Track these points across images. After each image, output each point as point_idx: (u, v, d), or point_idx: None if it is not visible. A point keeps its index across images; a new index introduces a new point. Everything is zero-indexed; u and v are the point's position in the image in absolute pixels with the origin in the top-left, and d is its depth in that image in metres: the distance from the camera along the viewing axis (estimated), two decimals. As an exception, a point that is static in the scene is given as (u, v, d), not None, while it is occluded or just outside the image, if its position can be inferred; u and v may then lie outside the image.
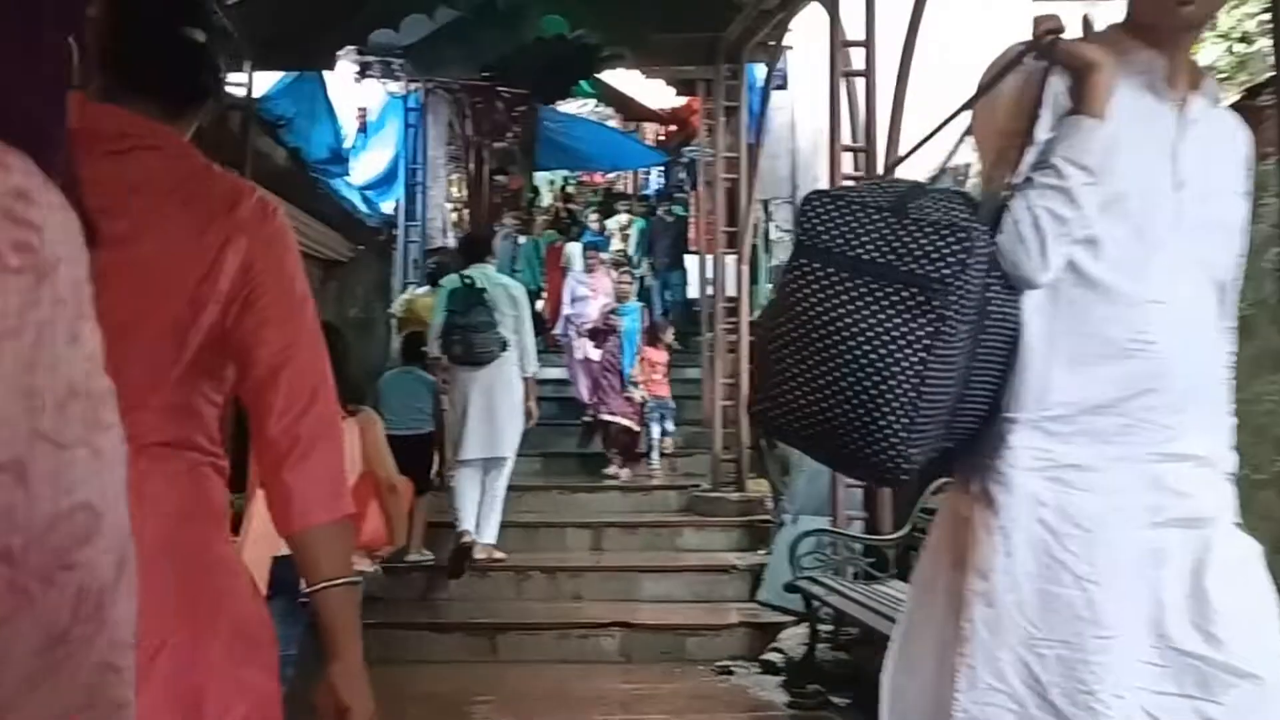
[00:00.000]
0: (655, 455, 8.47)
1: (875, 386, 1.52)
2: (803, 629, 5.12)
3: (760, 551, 6.61)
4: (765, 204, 9.42)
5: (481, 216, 13.37)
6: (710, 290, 9.46)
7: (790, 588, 4.66)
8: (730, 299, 7.86)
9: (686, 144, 15.96)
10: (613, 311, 8.80)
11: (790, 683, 4.70)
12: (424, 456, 6.34)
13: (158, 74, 1.45)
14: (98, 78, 1.43)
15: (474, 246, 6.62)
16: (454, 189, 14.27)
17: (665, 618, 5.57)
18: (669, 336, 8.96)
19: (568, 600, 6.04)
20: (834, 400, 1.57)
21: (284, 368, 1.39)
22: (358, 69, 9.67)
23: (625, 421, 8.32)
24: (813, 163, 8.64)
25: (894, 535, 4.64)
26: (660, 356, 8.67)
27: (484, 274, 6.21)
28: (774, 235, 9.44)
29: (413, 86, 10.41)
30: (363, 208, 9.76)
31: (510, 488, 7.36)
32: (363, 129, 9.78)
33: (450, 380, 6.19)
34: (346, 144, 8.77)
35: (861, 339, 1.53)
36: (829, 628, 4.75)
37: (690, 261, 10.25)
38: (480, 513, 6.13)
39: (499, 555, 6.15)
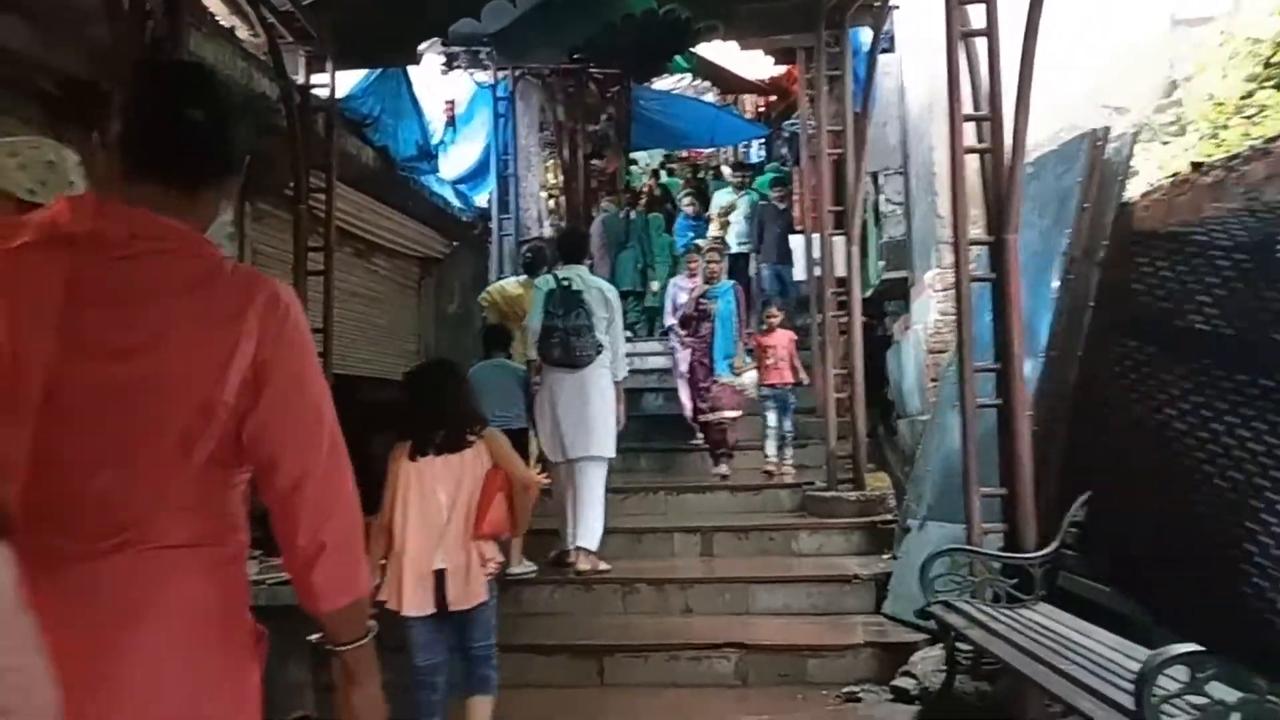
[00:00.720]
0: (771, 446, 7.83)
1: (1230, 517, 1.05)
2: (937, 650, 4.65)
3: (884, 556, 6.15)
4: (874, 176, 8.83)
5: (578, 202, 13.08)
6: (818, 271, 8.97)
7: (923, 614, 4.20)
8: (840, 281, 7.35)
9: (788, 115, 15.36)
10: (704, 295, 8.13)
11: (926, 716, 4.24)
12: (518, 452, 6.19)
13: (164, 155, 1.45)
14: (118, 163, 1.45)
15: (571, 246, 6.41)
16: (549, 175, 14.02)
17: (784, 636, 5.16)
18: (775, 317, 8.14)
19: (677, 615, 5.69)
20: (1182, 536, 1.10)
21: (306, 479, 1.45)
22: (444, 60, 9.46)
23: (716, 415, 7.81)
24: (924, 129, 8.00)
25: (1040, 553, 4.12)
26: (773, 340, 7.95)
27: (579, 275, 6.07)
28: (885, 208, 8.85)
29: (500, 75, 10.14)
30: (455, 202, 9.57)
31: (614, 489, 7.11)
32: (451, 122, 9.57)
33: (541, 381, 6.03)
34: (434, 139, 8.54)
35: (1195, 447, 1.07)
36: (968, 649, 4.26)
37: (795, 241, 9.71)
38: (577, 517, 5.96)
39: (604, 567, 5.93)
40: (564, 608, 5.78)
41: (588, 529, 5.93)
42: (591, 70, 12.20)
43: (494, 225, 10.45)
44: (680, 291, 8.93)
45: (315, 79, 6.60)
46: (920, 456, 6.28)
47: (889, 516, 6.55)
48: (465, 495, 3.52)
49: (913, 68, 8.22)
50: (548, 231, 12.12)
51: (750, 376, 7.98)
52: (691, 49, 11.70)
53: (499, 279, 10.51)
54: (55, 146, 1.99)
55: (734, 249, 10.95)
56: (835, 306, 7.31)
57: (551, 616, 5.70)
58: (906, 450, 8.20)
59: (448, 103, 9.55)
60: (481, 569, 3.54)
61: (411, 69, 8.19)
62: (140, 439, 1.35)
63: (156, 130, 1.44)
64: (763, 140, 18.68)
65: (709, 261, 8.29)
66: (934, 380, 7.40)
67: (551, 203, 13.71)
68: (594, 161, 14.88)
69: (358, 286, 8.43)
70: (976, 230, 5.87)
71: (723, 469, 7.80)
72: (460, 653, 3.62)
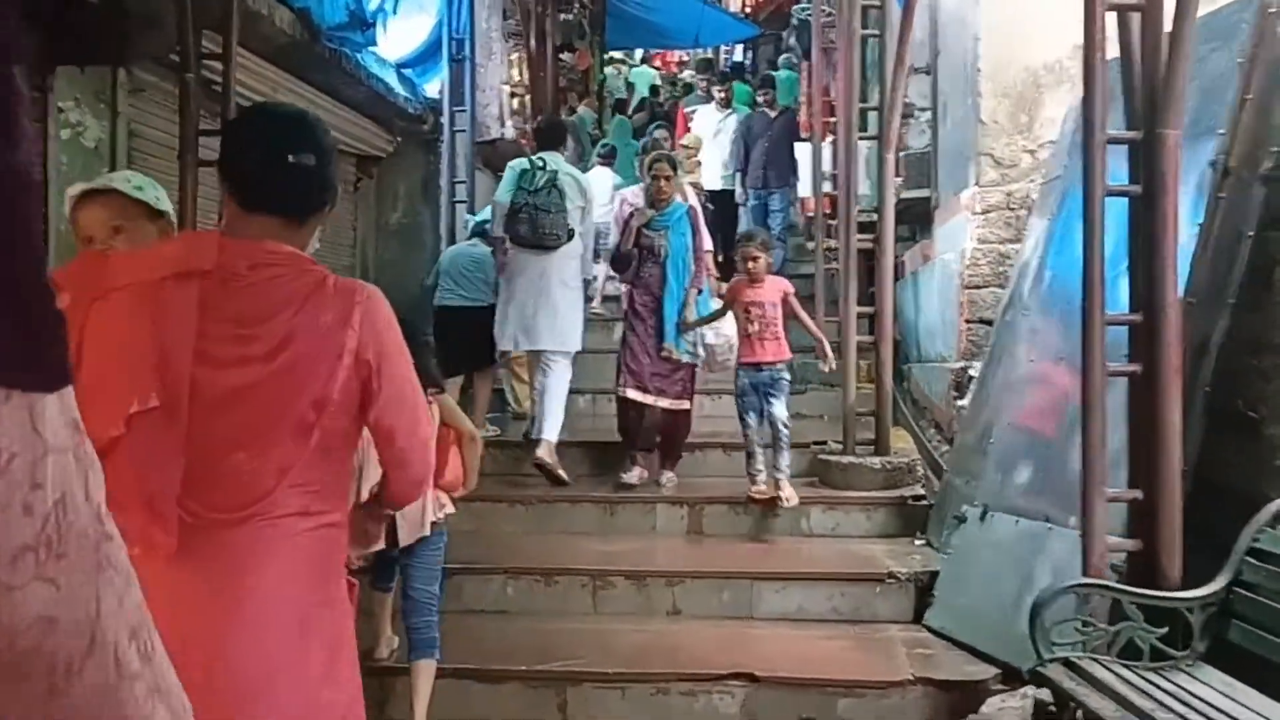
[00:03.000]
0: (759, 461, 5.16)
1: None
2: (1018, 700, 3.43)
3: (917, 542, 4.93)
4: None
5: (544, 101, 11.55)
6: (828, 187, 7.60)
7: (1036, 678, 2.93)
8: (867, 199, 6.01)
9: (781, 15, 13.83)
10: (647, 224, 5.58)
11: (1019, 806, 3.03)
12: (489, 329, 6.04)
13: (276, 197, 1.79)
14: (234, 198, 1.82)
15: (551, 131, 6.38)
16: (514, 71, 12.44)
17: (803, 660, 3.92)
18: (758, 259, 5.24)
19: (662, 618, 4.43)
20: None
21: (412, 440, 1.88)
22: (385, -89, 7.78)
23: (663, 403, 5.51)
24: (965, 16, 6.59)
25: (1199, 593, 2.87)
26: (760, 293, 5.21)
27: (556, 160, 5.87)
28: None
29: (456, -64, 8.49)
30: (400, 89, 7.98)
31: (584, 444, 5.87)
32: (393, -13, 7.88)
33: (510, 267, 5.76)
34: (371, 5, 6.94)
35: None
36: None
37: (802, 151, 8.23)
38: (542, 410, 5.70)
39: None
40: (519, 605, 4.50)
41: (551, 423, 5.65)
42: (564, -53, 10.59)
43: (445, 119, 8.85)
44: (628, 208, 5.98)
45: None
46: (966, 422, 5.02)
47: (919, 490, 5.32)
48: None
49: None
50: (510, 133, 10.59)
51: (729, 332, 5.51)
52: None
53: (452, 184, 9.08)
54: (141, 175, 2.57)
55: (718, 185, 9.38)
56: (859, 230, 5.97)
57: (503, 618, 4.43)
58: (922, 402, 6.98)
59: (389, -38, 7.87)
60: (438, 512, 3.62)
61: (342, -86, 6.57)
62: (265, 430, 1.69)
63: (269, 174, 1.78)
64: (747, 44, 17.11)
65: (655, 175, 5.63)
66: (970, 321, 6.17)
67: (515, 101, 12.18)
68: (564, 56, 13.29)
69: (275, 185, 6.92)
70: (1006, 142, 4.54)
71: (634, 474, 5.49)
72: (404, 598, 3.63)
